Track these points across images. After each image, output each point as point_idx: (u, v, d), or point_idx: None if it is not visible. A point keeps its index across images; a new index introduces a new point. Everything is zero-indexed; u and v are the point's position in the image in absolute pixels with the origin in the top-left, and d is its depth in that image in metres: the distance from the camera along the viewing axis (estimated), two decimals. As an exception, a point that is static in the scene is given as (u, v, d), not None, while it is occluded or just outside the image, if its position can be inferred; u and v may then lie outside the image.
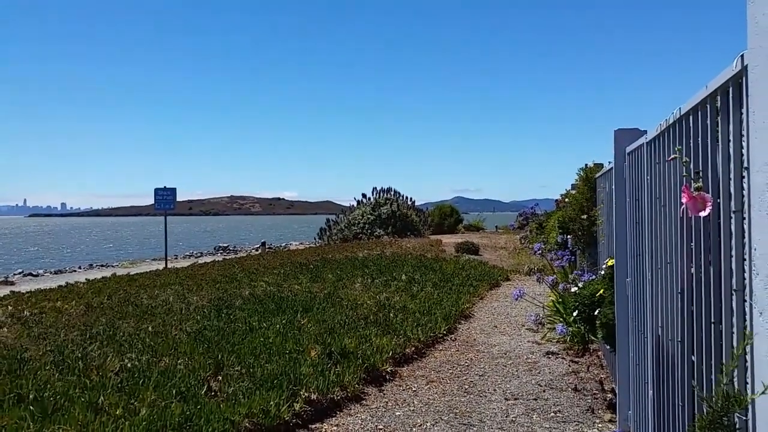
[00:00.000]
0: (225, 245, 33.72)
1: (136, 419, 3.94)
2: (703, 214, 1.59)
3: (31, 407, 4.13)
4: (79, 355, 5.58)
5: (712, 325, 1.74)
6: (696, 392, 1.94)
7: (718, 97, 1.64)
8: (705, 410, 1.32)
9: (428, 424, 4.51)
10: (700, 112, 1.86)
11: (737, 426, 1.34)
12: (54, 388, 4.56)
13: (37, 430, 3.76)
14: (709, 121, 1.76)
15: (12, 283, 17.86)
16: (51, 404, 4.20)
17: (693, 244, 1.95)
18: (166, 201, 19.61)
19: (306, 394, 4.69)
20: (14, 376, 4.90)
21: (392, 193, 28.47)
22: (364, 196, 28.40)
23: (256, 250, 28.06)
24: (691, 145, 1.95)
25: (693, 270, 1.96)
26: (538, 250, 7.61)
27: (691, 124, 1.97)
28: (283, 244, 32.50)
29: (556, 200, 9.78)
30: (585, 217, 6.45)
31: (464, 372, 5.85)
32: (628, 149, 3.51)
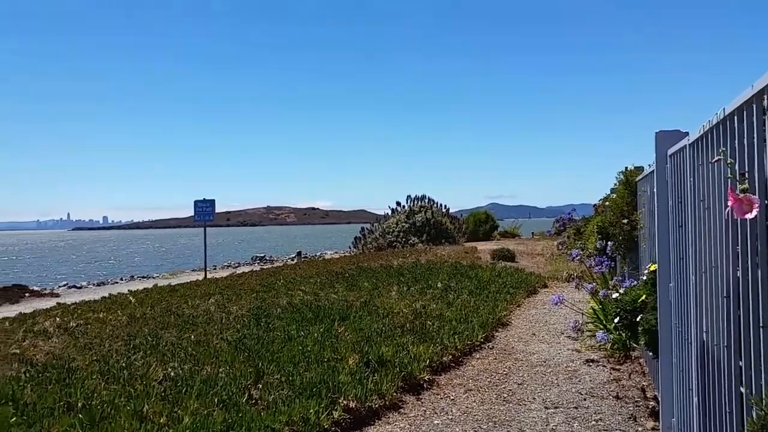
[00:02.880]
0: (262, 255, 34.14)
1: (179, 427, 4.02)
2: (749, 216, 1.56)
3: (80, 415, 4.26)
4: (124, 364, 5.72)
5: (761, 329, 1.70)
6: (744, 397, 1.90)
7: (765, 96, 1.61)
8: (755, 415, 1.29)
9: (468, 432, 4.48)
10: (745, 112, 1.82)
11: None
12: (101, 397, 4.68)
13: (85, 437, 3.87)
14: (755, 121, 1.72)
15: (57, 295, 18.41)
16: (98, 412, 4.32)
17: (739, 246, 1.91)
18: (205, 213, 19.95)
19: (345, 402, 4.71)
20: (63, 385, 5.05)
21: (426, 200, 28.44)
22: (398, 204, 28.46)
23: (292, 260, 28.33)
24: (736, 145, 1.91)
25: (739, 273, 1.92)
26: (577, 256, 7.49)
27: (735, 125, 1.93)
28: (319, 254, 32.74)
29: (595, 205, 9.63)
30: (625, 221, 6.33)
31: (502, 380, 5.80)
32: (670, 151, 3.45)
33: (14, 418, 4.24)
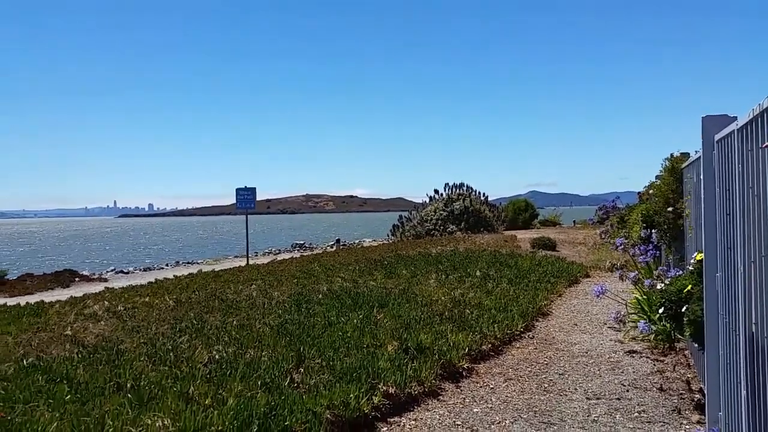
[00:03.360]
0: (301, 242, 34.57)
1: (224, 408, 4.13)
2: (802, 203, 1.51)
3: (129, 395, 4.41)
4: (170, 347, 5.89)
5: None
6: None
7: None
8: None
9: (507, 421, 4.48)
10: (798, 97, 1.76)
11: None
12: (148, 378, 4.84)
13: (135, 416, 4.01)
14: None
15: (105, 280, 19.03)
16: (146, 393, 4.47)
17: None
18: (246, 200, 20.27)
19: (384, 388, 4.76)
20: (113, 366, 5.25)
21: (465, 188, 28.29)
22: (436, 192, 28.38)
23: (331, 247, 28.59)
24: (788, 131, 1.86)
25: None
26: (620, 244, 7.34)
27: (787, 109, 1.87)
28: (357, 241, 32.93)
29: (639, 193, 9.43)
30: (670, 209, 6.18)
31: (543, 370, 5.76)
32: (717, 137, 3.35)
33: (68, 396, 4.43)
